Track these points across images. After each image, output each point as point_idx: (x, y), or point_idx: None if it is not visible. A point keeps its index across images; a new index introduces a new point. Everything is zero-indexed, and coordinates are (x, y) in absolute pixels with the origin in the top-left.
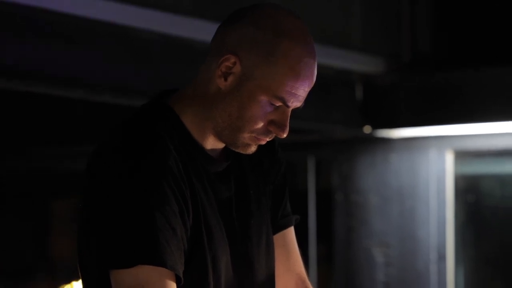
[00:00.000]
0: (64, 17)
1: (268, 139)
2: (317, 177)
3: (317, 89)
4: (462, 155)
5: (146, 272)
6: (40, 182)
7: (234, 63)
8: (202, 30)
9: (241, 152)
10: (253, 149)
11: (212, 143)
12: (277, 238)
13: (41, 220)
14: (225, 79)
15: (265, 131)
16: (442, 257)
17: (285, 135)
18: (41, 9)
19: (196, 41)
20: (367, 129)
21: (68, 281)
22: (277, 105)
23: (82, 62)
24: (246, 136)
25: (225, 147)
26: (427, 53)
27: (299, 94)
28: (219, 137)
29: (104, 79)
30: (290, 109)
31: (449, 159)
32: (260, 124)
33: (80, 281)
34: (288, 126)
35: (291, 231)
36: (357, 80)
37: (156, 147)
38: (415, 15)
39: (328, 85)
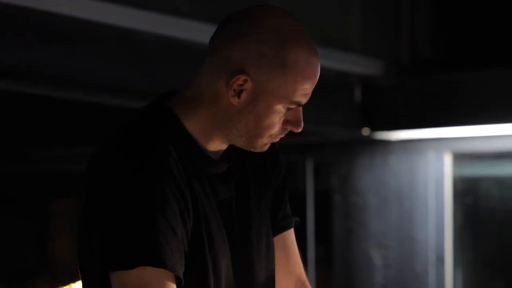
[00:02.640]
0: (63, 19)
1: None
2: (316, 179)
3: (316, 91)
4: (460, 157)
5: (146, 273)
6: (40, 183)
7: (245, 80)
8: (200, 32)
9: (258, 151)
10: (268, 146)
11: (215, 146)
12: (277, 240)
13: (41, 222)
14: (238, 97)
15: (282, 130)
16: (440, 259)
17: (300, 130)
18: (41, 11)
19: (194, 42)
20: (365, 131)
21: (68, 283)
22: (292, 107)
23: (81, 64)
24: (264, 140)
25: (226, 149)
26: (426, 55)
27: (309, 92)
28: (233, 143)
29: (103, 81)
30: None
31: (448, 161)
32: (277, 127)
33: (79, 282)
34: (302, 121)
35: (291, 233)
36: (356, 82)
37: (156, 149)
38: (414, 17)
39: (327, 87)
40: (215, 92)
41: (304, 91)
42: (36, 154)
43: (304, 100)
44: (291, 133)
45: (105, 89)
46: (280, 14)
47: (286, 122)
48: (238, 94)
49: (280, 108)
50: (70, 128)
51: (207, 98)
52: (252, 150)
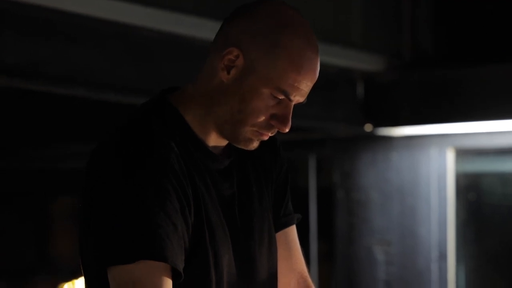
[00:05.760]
0: (66, 15)
1: (270, 134)
2: (318, 175)
3: (318, 87)
4: (463, 153)
5: (147, 267)
6: (41, 181)
7: (237, 56)
8: (203, 28)
9: (243, 147)
10: (255, 144)
11: (214, 140)
12: (279, 236)
13: (42, 219)
14: (228, 72)
15: (267, 125)
16: (443, 255)
17: (287, 130)
18: (43, 7)
19: (197, 39)
20: (368, 127)
21: (69, 279)
22: (280, 98)
23: (84, 60)
24: (247, 129)
25: (227, 145)
26: (428, 50)
27: (301, 88)
28: (221, 132)
29: (105, 77)
30: (293, 103)
31: (450, 157)
32: (262, 118)
33: (82, 279)
34: (290, 120)
35: (293, 230)
36: (358, 78)
37: (157, 145)
38: (416, 13)
39: (329, 83)
40: (210, 74)
41: (294, 82)
42: (37, 152)
43: (294, 94)
44: (293, 129)
45: (107, 86)
46: (293, 10)
47: (273, 116)
48: (228, 70)
49: (266, 93)
50: (72, 125)
51: (204, 83)
52: (237, 144)
